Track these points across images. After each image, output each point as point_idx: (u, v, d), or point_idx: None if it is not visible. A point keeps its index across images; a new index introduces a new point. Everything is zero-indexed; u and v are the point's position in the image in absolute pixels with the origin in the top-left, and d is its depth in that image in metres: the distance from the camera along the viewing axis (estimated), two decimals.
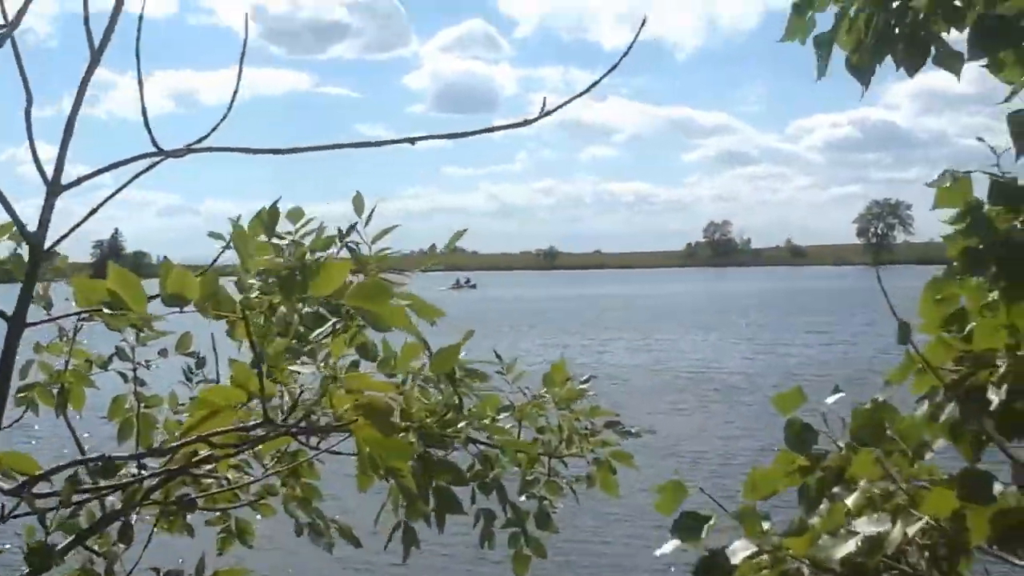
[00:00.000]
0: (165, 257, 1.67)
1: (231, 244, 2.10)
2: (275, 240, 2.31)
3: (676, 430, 23.94)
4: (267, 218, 2.12)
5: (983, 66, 2.60)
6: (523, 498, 3.63)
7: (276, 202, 2.21)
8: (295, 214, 2.86)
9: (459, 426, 3.20)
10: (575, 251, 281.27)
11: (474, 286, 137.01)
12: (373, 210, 3.16)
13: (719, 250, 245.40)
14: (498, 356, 3.76)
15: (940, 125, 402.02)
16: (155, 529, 3.09)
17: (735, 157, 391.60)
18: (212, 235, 2.91)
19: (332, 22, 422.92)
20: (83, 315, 3.00)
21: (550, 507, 3.63)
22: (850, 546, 1.93)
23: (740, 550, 2.05)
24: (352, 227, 3.14)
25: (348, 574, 14.35)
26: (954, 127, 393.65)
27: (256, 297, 1.71)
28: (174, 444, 2.03)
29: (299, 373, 1.83)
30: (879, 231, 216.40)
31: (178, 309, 1.64)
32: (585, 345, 47.00)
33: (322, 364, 1.82)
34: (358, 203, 3.21)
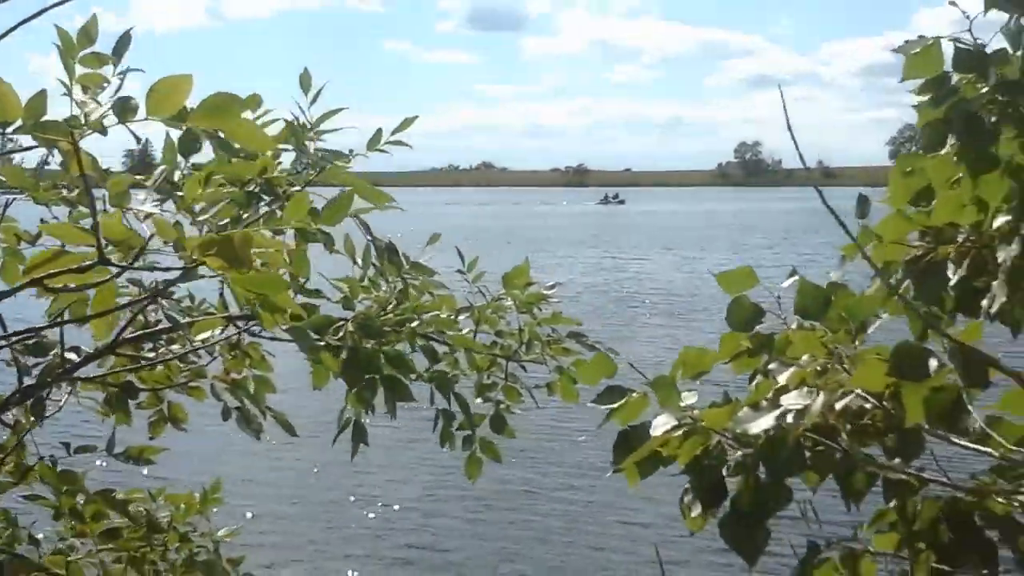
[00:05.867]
0: None
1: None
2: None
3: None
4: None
5: None
6: (480, 401, 3.52)
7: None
8: (252, 101, 2.65)
9: (412, 325, 3.05)
10: (606, 169, 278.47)
11: (622, 201, 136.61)
12: (320, 90, 2.98)
13: (750, 170, 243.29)
14: (460, 255, 3.61)
15: None
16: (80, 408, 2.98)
17: (767, 79, 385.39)
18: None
19: None
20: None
21: (506, 411, 3.52)
22: (769, 419, 1.78)
23: (660, 424, 1.92)
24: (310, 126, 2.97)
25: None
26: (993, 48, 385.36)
27: (92, 120, 1.52)
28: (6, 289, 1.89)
29: (146, 212, 1.66)
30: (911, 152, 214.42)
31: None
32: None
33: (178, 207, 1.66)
34: (305, 80, 3.01)
